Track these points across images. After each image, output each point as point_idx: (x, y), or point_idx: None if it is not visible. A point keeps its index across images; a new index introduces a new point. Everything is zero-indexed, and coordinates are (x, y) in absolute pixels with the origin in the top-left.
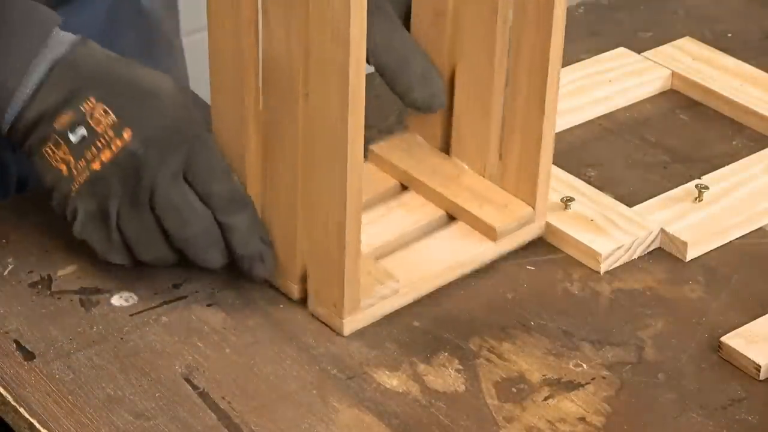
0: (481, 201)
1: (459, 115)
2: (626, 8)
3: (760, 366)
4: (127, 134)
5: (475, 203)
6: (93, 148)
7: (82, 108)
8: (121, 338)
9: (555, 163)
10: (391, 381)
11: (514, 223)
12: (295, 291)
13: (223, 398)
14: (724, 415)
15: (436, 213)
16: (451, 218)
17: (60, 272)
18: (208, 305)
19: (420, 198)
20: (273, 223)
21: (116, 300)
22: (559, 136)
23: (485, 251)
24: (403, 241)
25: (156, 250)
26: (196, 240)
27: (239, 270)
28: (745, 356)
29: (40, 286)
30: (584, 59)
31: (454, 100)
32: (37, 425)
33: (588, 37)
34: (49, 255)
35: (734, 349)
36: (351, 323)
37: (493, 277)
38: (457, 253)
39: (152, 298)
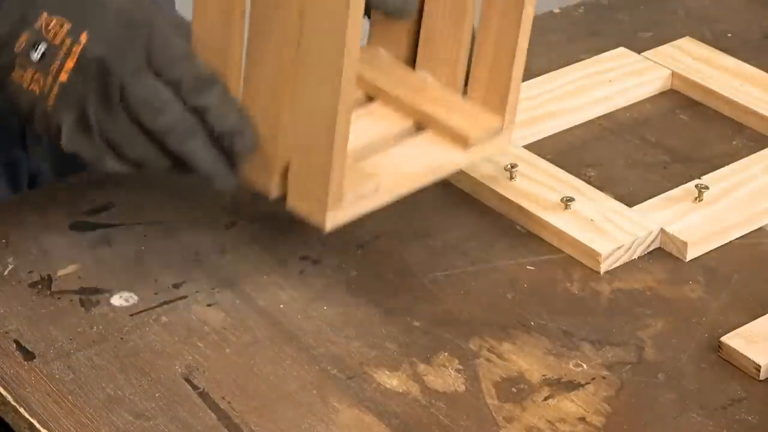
0: (450, 111)
1: (429, 24)
2: (626, 8)
3: (760, 366)
4: (83, 38)
5: (444, 113)
6: (56, 60)
7: (35, 26)
8: (121, 338)
9: (555, 163)
10: (391, 381)
11: (484, 133)
12: (274, 187)
13: (223, 398)
14: (724, 415)
15: (405, 122)
16: (419, 128)
17: (60, 272)
18: (208, 305)
19: (387, 108)
20: (255, 117)
21: (116, 300)
22: (559, 136)
23: (458, 158)
24: (374, 148)
25: (139, 147)
26: (174, 128)
27: (222, 150)
28: (745, 356)
29: (40, 286)
30: (584, 59)
31: (424, 9)
32: (37, 425)
33: (588, 37)
34: (49, 255)
35: (734, 349)
36: (333, 218)
37: (493, 277)
38: (430, 159)
39: (152, 298)
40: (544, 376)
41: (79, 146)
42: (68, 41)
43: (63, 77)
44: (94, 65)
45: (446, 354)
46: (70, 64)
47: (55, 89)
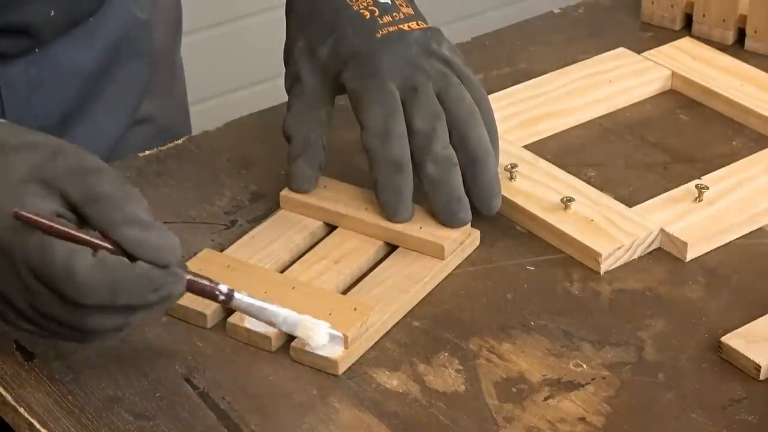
0: (419, 223)
1: None
2: (626, 8)
3: (760, 366)
4: None
5: (413, 226)
6: None
7: None
8: (121, 338)
9: (555, 163)
10: (391, 381)
11: (459, 237)
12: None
13: (223, 398)
14: (724, 415)
15: (376, 244)
16: (390, 246)
17: None
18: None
19: (353, 233)
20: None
21: None
22: (559, 136)
23: (437, 269)
24: (353, 275)
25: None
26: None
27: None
28: (745, 356)
29: None
30: (584, 59)
31: None
32: (37, 425)
33: (588, 37)
34: None
35: (734, 349)
36: (343, 364)
37: (493, 277)
38: (416, 274)
39: None
40: (544, 376)
41: None
42: None
43: None
44: None
45: (446, 354)
46: None
47: None
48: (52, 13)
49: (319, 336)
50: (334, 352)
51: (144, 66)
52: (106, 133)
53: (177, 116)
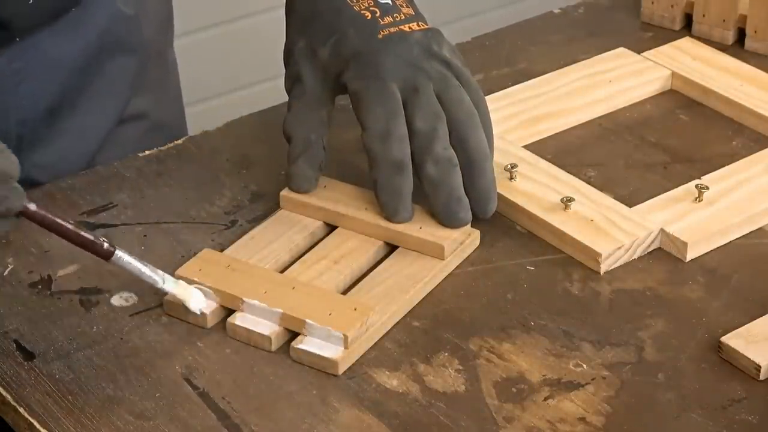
0: (419, 223)
1: None
2: (626, 8)
3: (760, 366)
4: None
5: (413, 227)
6: None
7: None
8: (121, 338)
9: (555, 163)
10: (391, 381)
11: (459, 237)
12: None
13: (223, 398)
14: (724, 415)
15: (376, 244)
16: (390, 246)
17: (60, 272)
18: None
19: (353, 234)
20: None
21: (116, 300)
22: (559, 136)
23: (437, 269)
24: (353, 275)
25: None
26: None
27: None
28: (745, 356)
29: (40, 286)
30: (584, 59)
31: None
32: (37, 425)
33: (588, 37)
34: (49, 255)
35: (734, 349)
36: (343, 364)
37: (493, 277)
38: (416, 274)
39: (152, 298)
40: (544, 376)
41: None
42: None
43: None
44: None
45: (446, 354)
46: None
47: None
48: (31, 1)
49: (194, 301)
50: (333, 352)
51: (132, 61)
52: (96, 126)
53: (172, 113)
